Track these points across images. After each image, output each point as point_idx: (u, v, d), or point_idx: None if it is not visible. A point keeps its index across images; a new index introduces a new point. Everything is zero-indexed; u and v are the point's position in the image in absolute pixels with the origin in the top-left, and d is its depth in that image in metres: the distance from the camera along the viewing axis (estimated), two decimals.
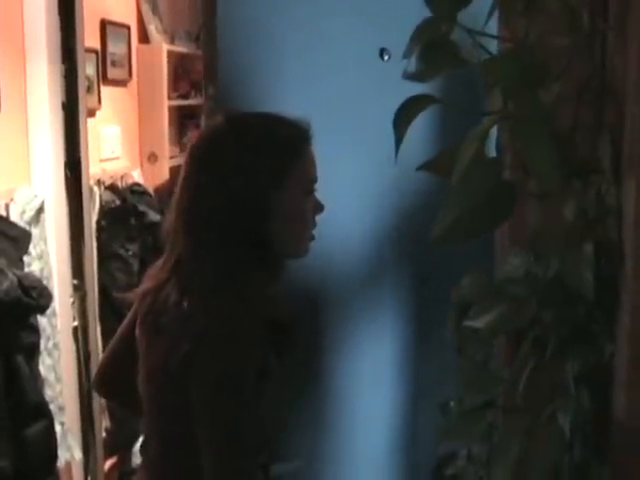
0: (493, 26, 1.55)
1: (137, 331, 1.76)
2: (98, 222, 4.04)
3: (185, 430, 1.58)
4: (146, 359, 1.71)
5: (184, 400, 1.58)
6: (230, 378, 1.55)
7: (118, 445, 4.16)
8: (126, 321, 1.85)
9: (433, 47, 1.36)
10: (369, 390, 2.48)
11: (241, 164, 1.63)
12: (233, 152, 1.64)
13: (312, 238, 1.73)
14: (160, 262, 1.74)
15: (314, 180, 1.71)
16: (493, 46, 1.45)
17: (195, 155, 1.69)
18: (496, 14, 1.47)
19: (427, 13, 1.37)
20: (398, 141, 1.37)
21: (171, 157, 4.84)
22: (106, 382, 1.97)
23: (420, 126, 2.13)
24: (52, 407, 3.20)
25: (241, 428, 1.55)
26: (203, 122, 1.87)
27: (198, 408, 1.57)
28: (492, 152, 1.50)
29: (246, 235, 1.64)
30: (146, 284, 1.75)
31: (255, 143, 1.65)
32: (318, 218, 1.72)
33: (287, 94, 2.26)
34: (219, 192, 1.63)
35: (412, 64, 1.39)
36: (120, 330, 1.88)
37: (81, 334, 3.72)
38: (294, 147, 1.67)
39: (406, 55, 1.38)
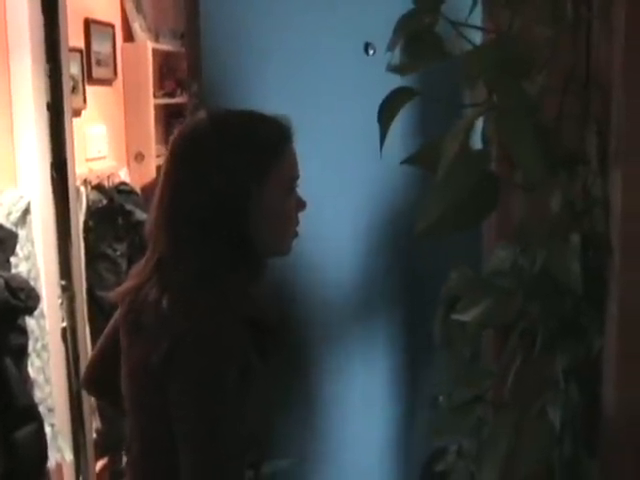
0: (478, 18, 1.55)
1: (120, 330, 1.75)
2: (85, 222, 4.02)
3: (166, 429, 1.57)
4: (128, 358, 1.71)
5: (165, 399, 1.57)
6: (210, 376, 1.54)
7: (109, 446, 4.15)
8: (112, 320, 1.84)
9: (416, 39, 1.34)
10: (361, 395, 2.46)
11: (221, 162, 1.62)
12: (213, 150, 1.63)
13: (295, 235, 1.73)
14: (142, 261, 1.73)
15: (295, 177, 1.70)
16: (478, 38, 1.44)
17: (176, 152, 1.68)
18: (480, 6, 1.46)
19: (411, 6, 1.36)
20: (383, 135, 1.36)
21: (158, 156, 4.81)
22: (95, 381, 1.96)
23: (409, 120, 2.14)
24: (42, 408, 3.18)
25: (222, 427, 1.55)
26: (188, 118, 1.85)
27: (178, 406, 1.56)
28: (478, 144, 1.48)
29: (227, 233, 1.63)
30: (128, 283, 1.74)
31: (235, 141, 1.64)
32: (301, 215, 1.71)
33: (271, 91, 2.24)
34: (200, 189, 1.62)
35: (396, 57, 1.38)
36: (107, 329, 1.87)
37: (70, 335, 3.70)
38: (274, 145, 1.66)
39: (389, 48, 1.36)
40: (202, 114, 1.70)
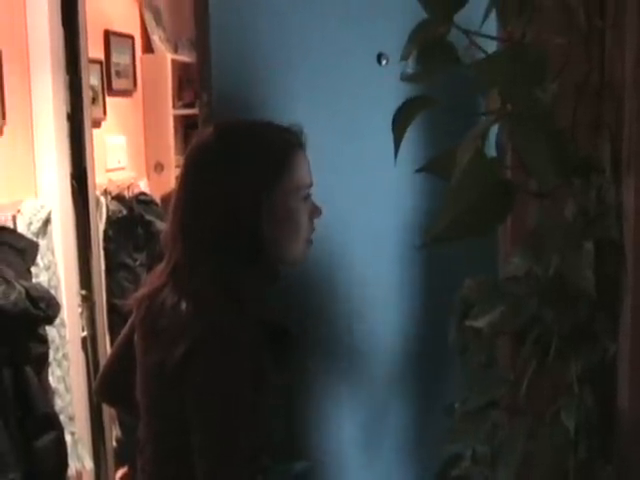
0: (493, 27, 1.55)
1: (135, 336, 1.77)
2: (105, 232, 4.06)
3: (180, 432, 1.60)
4: (144, 362, 1.73)
5: (180, 402, 1.59)
6: (227, 378, 1.57)
7: (129, 454, 4.14)
8: (127, 327, 1.86)
9: (430, 49, 1.35)
10: (374, 401, 2.45)
11: (229, 173, 1.65)
12: (221, 162, 1.66)
13: (310, 242, 1.74)
14: (159, 268, 1.75)
15: (307, 186, 1.72)
16: (491, 47, 1.44)
17: (188, 164, 1.72)
18: (494, 15, 1.46)
19: (424, 16, 1.37)
20: (397, 143, 1.37)
21: (177, 166, 4.84)
22: (108, 388, 1.99)
23: (425, 129, 2.14)
24: (62, 417, 3.20)
25: (239, 427, 1.57)
26: (199, 130, 1.88)
27: (196, 408, 1.58)
28: (492, 152, 1.49)
29: (240, 241, 1.65)
30: (144, 289, 1.76)
31: (241, 152, 1.67)
32: (317, 222, 1.73)
33: (283, 101, 2.24)
34: (211, 202, 1.66)
35: (409, 66, 1.39)
36: (121, 336, 1.89)
37: (90, 344, 3.73)
38: (282, 154, 1.68)
39: (403, 57, 1.37)
40: (210, 128, 1.73)
